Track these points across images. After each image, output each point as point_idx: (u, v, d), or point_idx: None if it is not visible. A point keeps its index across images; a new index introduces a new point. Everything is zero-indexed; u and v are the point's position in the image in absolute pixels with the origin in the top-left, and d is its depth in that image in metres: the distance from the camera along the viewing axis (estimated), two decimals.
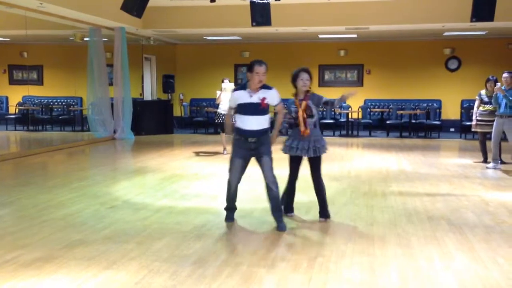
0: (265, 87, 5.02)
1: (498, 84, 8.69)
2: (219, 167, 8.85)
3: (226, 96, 9.97)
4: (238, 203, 5.56)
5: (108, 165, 9.54)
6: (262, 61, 5.02)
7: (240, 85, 5.25)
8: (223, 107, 10.10)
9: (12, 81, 17.48)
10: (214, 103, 15.03)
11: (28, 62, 16.48)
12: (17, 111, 16.34)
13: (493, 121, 8.82)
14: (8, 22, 12.44)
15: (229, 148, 10.51)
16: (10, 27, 12.82)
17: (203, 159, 9.90)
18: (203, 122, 15.53)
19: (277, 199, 5.09)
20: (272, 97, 5.03)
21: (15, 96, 16.81)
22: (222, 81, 10.51)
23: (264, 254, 4.26)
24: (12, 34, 14.26)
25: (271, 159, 5.06)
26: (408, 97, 15.74)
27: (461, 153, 11.07)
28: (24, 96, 16.55)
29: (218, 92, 10.41)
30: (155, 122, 15.01)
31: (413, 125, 14.47)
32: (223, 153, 10.44)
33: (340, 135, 14.54)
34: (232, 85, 10.39)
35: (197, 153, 10.67)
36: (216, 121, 10.61)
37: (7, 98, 17.33)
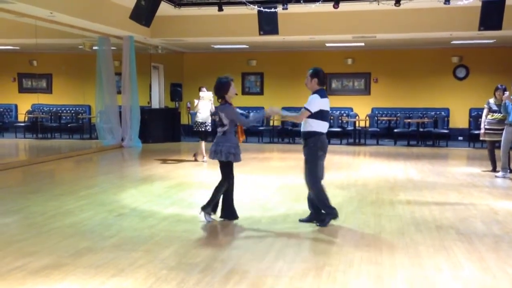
0: (314, 92, 5.43)
1: (507, 93, 8.65)
2: None
3: (204, 105, 10.11)
4: (245, 211, 5.56)
5: (115, 173, 9.58)
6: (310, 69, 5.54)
7: None
8: (201, 116, 10.19)
9: (22, 89, 17.66)
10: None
11: (37, 71, 16.63)
12: (26, 119, 16.48)
13: (501, 129, 8.78)
14: (18, 31, 12.60)
15: (206, 157, 10.48)
16: (20, 36, 12.98)
17: (210, 167, 9.90)
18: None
19: (313, 200, 5.49)
20: (308, 100, 5.41)
21: (25, 104, 16.97)
22: (200, 90, 10.49)
23: (272, 262, 4.25)
24: (22, 42, 14.42)
25: (309, 162, 5.40)
26: (416, 105, 15.70)
27: (470, 162, 11.01)
28: (33, 104, 16.69)
29: (196, 101, 10.40)
30: (163, 130, 15.08)
31: (421, 133, 14.41)
32: (203, 161, 10.46)
33: (348, 144, 14.51)
34: (210, 94, 10.17)
35: (165, 160, 10.68)
36: (195, 129, 10.50)
37: (16, 106, 17.48)
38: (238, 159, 5.54)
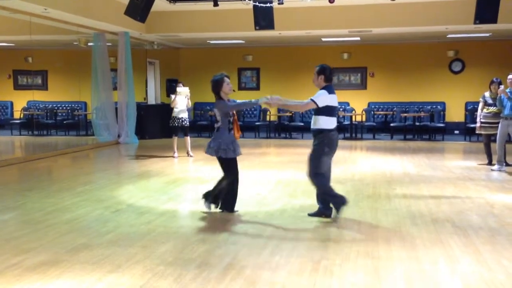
0: (321, 88, 5.47)
1: (502, 86, 8.67)
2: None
3: (181, 100, 10.22)
4: (242, 207, 5.57)
5: (112, 169, 9.57)
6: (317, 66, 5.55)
7: None
8: (177, 111, 10.32)
9: (17, 86, 17.59)
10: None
11: (32, 67, 16.56)
12: (22, 116, 16.42)
13: (497, 123, 8.80)
14: (13, 28, 12.53)
15: (179, 153, 10.53)
16: (14, 32, 12.91)
17: (207, 162, 9.90)
18: (207, 125, 15.55)
19: (318, 193, 5.53)
20: (316, 94, 5.45)
21: (20, 101, 16.90)
22: (177, 85, 10.54)
23: (268, 257, 4.26)
24: (17, 39, 14.34)
25: (313, 157, 5.40)
26: (412, 99, 15.72)
27: (466, 156, 11.04)
28: (29, 101, 16.63)
29: (172, 96, 10.46)
30: (159, 126, 15.03)
31: (417, 127, 14.45)
32: (173, 156, 10.53)
33: (344, 138, 14.52)
34: (186, 89, 10.33)
35: (161, 156, 10.68)
36: (171, 124, 10.53)
37: (12, 103, 17.42)
38: (230, 154, 5.53)
